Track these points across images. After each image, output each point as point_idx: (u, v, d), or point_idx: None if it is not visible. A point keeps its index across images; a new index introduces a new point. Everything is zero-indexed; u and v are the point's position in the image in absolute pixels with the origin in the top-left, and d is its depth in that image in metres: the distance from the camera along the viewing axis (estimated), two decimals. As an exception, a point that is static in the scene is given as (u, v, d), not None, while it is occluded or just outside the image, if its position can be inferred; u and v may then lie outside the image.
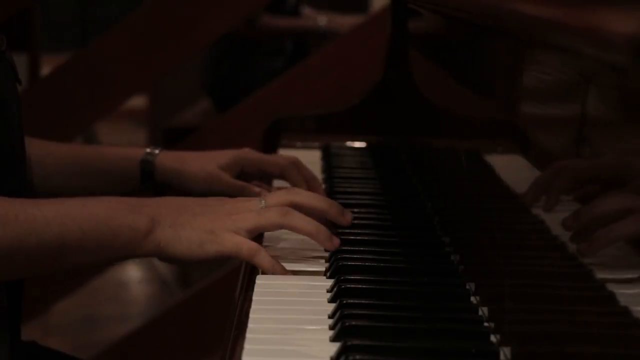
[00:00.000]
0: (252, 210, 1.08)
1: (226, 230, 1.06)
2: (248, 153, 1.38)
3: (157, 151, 1.35)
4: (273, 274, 1.04)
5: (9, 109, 1.13)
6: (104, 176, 1.36)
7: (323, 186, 1.40)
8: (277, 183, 1.42)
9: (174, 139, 2.93)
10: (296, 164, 1.37)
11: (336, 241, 1.09)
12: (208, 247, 1.05)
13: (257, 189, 1.31)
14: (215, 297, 2.35)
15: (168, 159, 1.35)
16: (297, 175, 1.36)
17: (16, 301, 1.16)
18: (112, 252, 1.05)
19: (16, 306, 1.16)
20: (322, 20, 3.51)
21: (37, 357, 1.25)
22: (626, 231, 0.69)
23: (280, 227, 1.08)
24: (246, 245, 1.05)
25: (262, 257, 1.05)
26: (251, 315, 0.94)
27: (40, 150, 1.33)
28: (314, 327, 0.92)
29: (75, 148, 1.41)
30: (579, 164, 0.77)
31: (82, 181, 1.35)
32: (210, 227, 1.06)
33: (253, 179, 1.38)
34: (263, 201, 1.10)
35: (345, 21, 3.57)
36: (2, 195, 1.09)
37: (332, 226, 1.22)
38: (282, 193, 1.13)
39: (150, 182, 1.35)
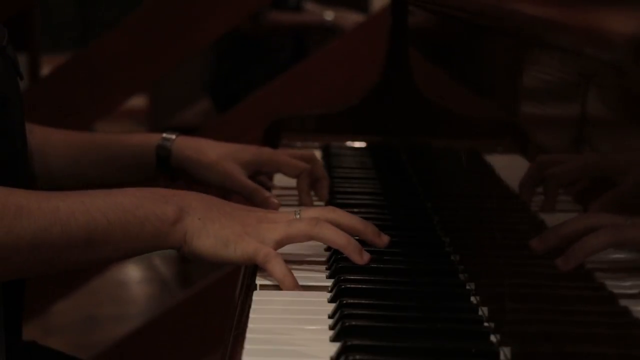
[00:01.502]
0: (283, 221, 1.05)
1: (254, 237, 1.03)
2: (269, 154, 1.37)
3: (173, 136, 1.34)
4: (282, 284, 1.01)
5: (11, 104, 1.13)
6: (119, 163, 1.34)
7: (323, 203, 1.37)
8: (277, 177, 1.43)
9: (174, 139, 2.92)
10: (311, 160, 1.38)
11: (366, 256, 1.05)
12: (232, 249, 1.02)
13: (267, 194, 1.29)
14: (215, 297, 2.35)
15: (185, 146, 1.33)
16: (305, 182, 1.35)
17: (16, 301, 1.16)
18: (139, 242, 1.02)
19: (16, 306, 1.16)
20: (329, 15, 3.52)
21: (37, 357, 1.25)
22: (599, 243, 0.71)
23: (310, 238, 1.05)
24: (263, 251, 1.02)
25: (275, 265, 1.01)
26: (251, 315, 0.94)
27: (47, 139, 1.32)
28: (314, 327, 0.92)
29: (88, 136, 1.38)
30: (575, 160, 0.77)
31: (96, 170, 1.33)
32: (239, 230, 1.03)
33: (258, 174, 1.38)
34: (298, 214, 1.07)
35: (351, 17, 3.59)
36: None
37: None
38: (319, 209, 1.10)
39: (165, 169, 1.33)
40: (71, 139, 1.35)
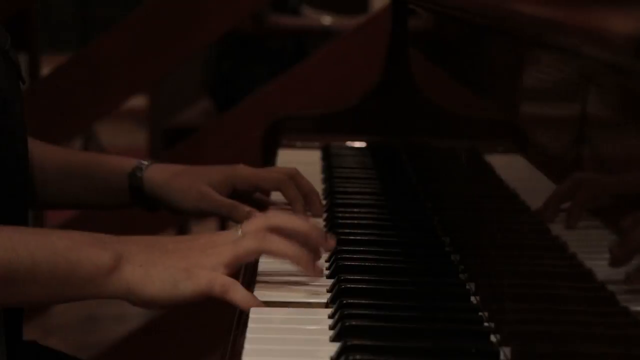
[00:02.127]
0: (228, 243, 1.00)
1: (202, 267, 0.97)
2: (241, 170, 1.30)
3: (147, 163, 1.29)
4: (247, 308, 0.96)
5: (12, 107, 1.13)
6: (96, 185, 1.30)
7: (324, 202, 1.33)
8: (274, 195, 1.35)
9: (174, 139, 2.93)
10: (293, 177, 1.29)
11: (318, 269, 1.02)
12: (182, 287, 0.96)
13: (247, 209, 1.23)
14: (216, 297, 2.34)
15: (157, 173, 1.28)
16: (292, 189, 1.28)
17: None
18: (70, 288, 0.96)
19: (16, 307, 1.16)
20: (326, 20, 3.52)
21: (38, 357, 1.25)
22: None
23: (259, 253, 1.01)
24: (219, 281, 0.96)
25: (235, 293, 0.96)
26: (251, 315, 0.94)
27: (41, 153, 1.30)
28: (314, 327, 0.92)
29: (71, 153, 1.35)
30: (599, 179, 0.76)
31: (74, 188, 1.30)
32: (184, 265, 0.97)
33: (251, 194, 1.31)
34: (239, 230, 1.01)
35: (349, 22, 3.59)
36: (5, 195, 1.09)
37: (330, 227, 1.22)
38: (259, 218, 1.04)
39: (139, 197, 1.29)
40: (60, 156, 1.32)
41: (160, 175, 1.28)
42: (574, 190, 0.79)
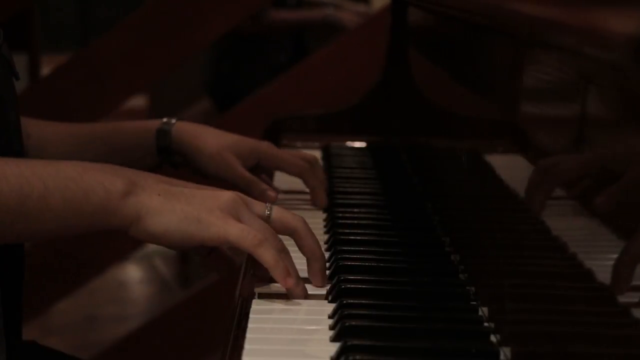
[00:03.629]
0: (259, 218, 0.98)
1: (228, 213, 0.95)
2: (268, 147, 1.34)
3: (173, 121, 1.31)
4: (274, 271, 0.95)
5: (6, 104, 1.12)
6: (121, 152, 1.31)
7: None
8: (277, 179, 1.42)
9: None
10: (314, 165, 1.34)
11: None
12: (206, 226, 0.93)
13: (264, 186, 1.28)
14: (215, 297, 2.35)
15: (185, 131, 1.30)
16: (313, 179, 1.32)
17: (16, 301, 1.16)
18: (81, 215, 0.93)
19: (16, 306, 1.16)
20: (330, 9, 3.52)
21: (37, 356, 1.25)
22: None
23: (291, 233, 1.01)
24: (252, 234, 0.94)
25: (266, 250, 0.94)
26: (251, 315, 0.94)
27: (43, 132, 1.30)
28: (314, 327, 0.92)
29: (88, 127, 1.35)
30: (571, 161, 0.77)
31: (96, 158, 1.27)
32: (210, 205, 0.95)
33: (268, 171, 1.36)
34: (267, 210, 1.00)
35: (353, 8, 3.59)
36: None
37: (330, 224, 1.22)
38: (293, 215, 1.02)
39: (167, 154, 1.31)
40: (71, 131, 1.32)
41: (189, 133, 1.30)
42: (544, 176, 0.81)
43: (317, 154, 1.69)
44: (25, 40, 3.63)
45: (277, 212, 1.01)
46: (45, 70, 3.14)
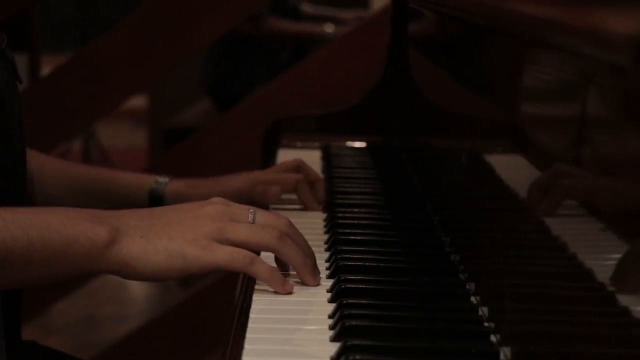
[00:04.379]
0: (240, 222, 0.99)
1: (212, 239, 0.96)
2: (259, 176, 1.34)
3: (165, 180, 1.31)
4: (272, 283, 0.98)
5: (9, 107, 1.13)
6: (112, 200, 1.30)
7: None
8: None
9: (174, 139, 2.93)
10: (301, 168, 1.36)
11: (317, 279, 1.01)
12: (192, 260, 0.95)
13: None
14: (215, 297, 2.35)
15: (178, 194, 1.30)
16: (307, 193, 1.34)
17: (16, 301, 1.16)
18: (66, 264, 0.94)
19: (16, 306, 1.16)
20: (329, 27, 3.53)
21: (37, 356, 1.25)
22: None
23: (270, 249, 1.00)
24: (242, 254, 0.96)
25: (260, 266, 0.97)
26: (251, 315, 0.94)
27: (44, 165, 1.31)
28: (314, 327, 0.92)
29: (83, 169, 1.36)
30: (578, 169, 0.77)
31: (90, 203, 1.27)
32: (192, 236, 0.96)
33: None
34: (252, 214, 1.01)
35: (349, 15, 3.59)
36: (4, 191, 1.09)
37: (332, 225, 1.22)
38: (276, 215, 1.04)
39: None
40: (66, 170, 1.33)
41: (184, 195, 1.30)
42: (553, 181, 0.81)
43: (317, 154, 1.69)
44: (25, 40, 3.63)
45: (260, 216, 1.01)
46: (45, 70, 3.14)
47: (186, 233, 0.96)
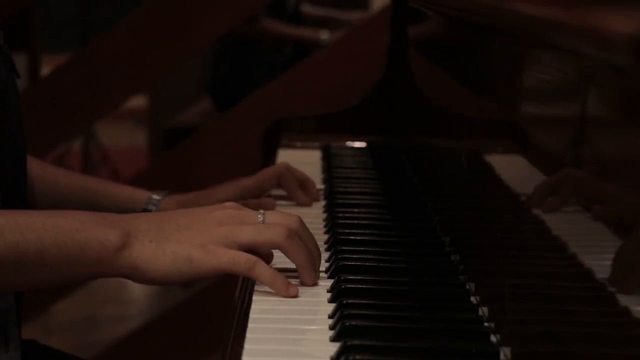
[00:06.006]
0: (248, 224, 1.00)
1: (218, 244, 0.97)
2: (244, 183, 1.34)
3: (158, 197, 1.31)
4: (274, 286, 0.98)
5: (9, 101, 1.13)
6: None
7: (323, 202, 1.37)
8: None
9: (174, 139, 2.93)
10: (288, 168, 1.37)
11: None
12: (198, 264, 0.96)
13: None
14: (215, 297, 2.35)
15: (170, 207, 1.29)
16: (291, 180, 1.35)
17: (16, 301, 1.16)
18: (78, 268, 0.96)
19: (16, 306, 1.16)
20: (325, 34, 3.53)
21: (37, 356, 1.25)
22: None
23: (277, 248, 1.00)
24: (243, 258, 0.96)
25: (262, 270, 0.97)
26: (251, 315, 0.94)
27: (44, 173, 1.31)
28: (314, 327, 0.92)
29: (78, 179, 1.36)
30: (587, 175, 0.77)
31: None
32: (199, 241, 0.97)
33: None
34: (261, 215, 1.01)
35: (351, 17, 3.59)
36: (3, 190, 1.09)
37: (332, 225, 1.22)
38: (284, 214, 1.03)
39: None
40: (55, 180, 1.32)
41: (176, 200, 1.30)
42: (562, 185, 0.80)
43: (317, 154, 1.69)
44: (25, 40, 3.62)
45: (270, 217, 1.02)
46: (45, 70, 3.13)
47: (194, 237, 0.97)
